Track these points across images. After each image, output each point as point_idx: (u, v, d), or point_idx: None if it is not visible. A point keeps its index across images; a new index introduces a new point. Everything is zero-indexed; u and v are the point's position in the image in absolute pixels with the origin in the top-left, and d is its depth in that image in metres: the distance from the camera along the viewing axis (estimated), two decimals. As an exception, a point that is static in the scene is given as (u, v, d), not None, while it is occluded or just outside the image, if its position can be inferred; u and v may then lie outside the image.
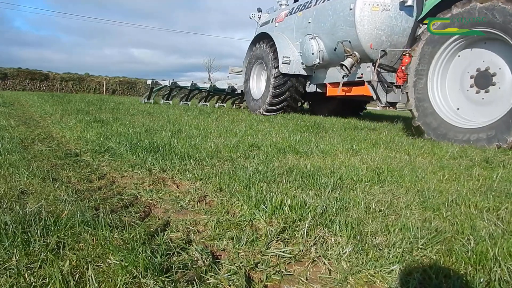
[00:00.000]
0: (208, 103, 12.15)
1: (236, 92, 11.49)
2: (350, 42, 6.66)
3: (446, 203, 2.04)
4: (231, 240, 1.53)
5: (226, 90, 11.57)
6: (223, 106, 12.55)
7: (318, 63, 7.54)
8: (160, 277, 1.21)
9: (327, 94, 7.97)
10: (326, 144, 4.06)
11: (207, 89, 11.65)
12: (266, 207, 1.83)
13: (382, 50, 6.40)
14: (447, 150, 3.85)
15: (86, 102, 9.47)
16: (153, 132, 4.43)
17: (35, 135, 4.06)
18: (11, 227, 1.49)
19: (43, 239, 1.43)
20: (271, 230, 1.60)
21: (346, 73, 6.78)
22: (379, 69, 6.43)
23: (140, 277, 1.21)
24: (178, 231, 1.63)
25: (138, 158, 2.93)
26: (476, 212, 1.93)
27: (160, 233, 1.54)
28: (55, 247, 1.39)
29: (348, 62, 6.65)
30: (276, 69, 8.16)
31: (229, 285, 1.23)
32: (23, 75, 29.64)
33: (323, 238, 1.57)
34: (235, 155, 3.28)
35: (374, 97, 6.61)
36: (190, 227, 1.69)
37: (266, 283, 1.27)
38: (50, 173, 2.44)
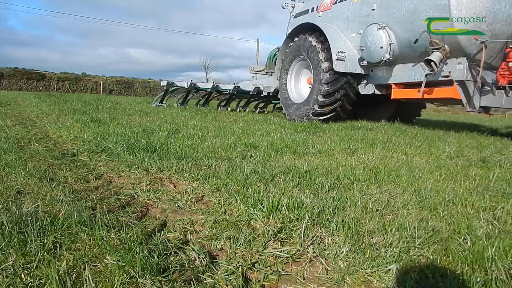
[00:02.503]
0: (229, 108, 10.30)
1: (262, 95, 9.79)
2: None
3: (443, 203, 2.05)
4: (228, 240, 1.53)
5: (251, 92, 9.71)
6: (264, 111, 10.79)
7: (388, 58, 6.14)
8: (157, 277, 1.21)
9: (393, 97, 6.55)
10: (324, 144, 4.07)
11: (230, 91, 9.68)
12: (263, 207, 1.83)
13: (481, 42, 5.13)
14: (444, 150, 3.86)
15: (83, 102, 9.44)
16: (150, 132, 4.42)
17: (32, 135, 4.04)
18: (7, 227, 1.48)
19: (40, 239, 1.42)
20: (269, 230, 1.60)
21: (432, 71, 5.42)
22: (476, 67, 5.24)
23: (137, 277, 1.20)
24: (175, 231, 1.63)
25: (135, 158, 2.92)
26: (473, 211, 1.94)
27: (157, 233, 1.54)
28: (52, 247, 1.38)
29: (436, 57, 5.32)
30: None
31: (227, 285, 1.23)
32: (20, 75, 29.53)
33: (320, 237, 1.57)
34: (233, 155, 3.27)
35: (464, 100, 5.43)
36: (188, 227, 1.68)
37: (263, 283, 1.27)
38: (46, 173, 2.43)
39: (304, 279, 1.30)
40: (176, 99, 10.23)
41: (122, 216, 1.77)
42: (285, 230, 1.63)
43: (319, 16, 7.86)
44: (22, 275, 1.19)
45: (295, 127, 5.70)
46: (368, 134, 5.21)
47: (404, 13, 5.87)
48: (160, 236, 1.51)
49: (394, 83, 6.49)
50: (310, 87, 7.53)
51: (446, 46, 5.32)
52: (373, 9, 6.42)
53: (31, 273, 1.20)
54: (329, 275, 1.32)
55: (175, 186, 2.34)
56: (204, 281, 1.24)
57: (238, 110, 10.30)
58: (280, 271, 1.33)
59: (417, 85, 5.96)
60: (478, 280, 1.24)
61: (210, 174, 2.51)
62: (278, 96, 8.47)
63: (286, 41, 8.37)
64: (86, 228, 1.53)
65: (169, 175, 2.53)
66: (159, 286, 1.18)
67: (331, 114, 6.91)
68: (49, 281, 1.15)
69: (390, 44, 6.10)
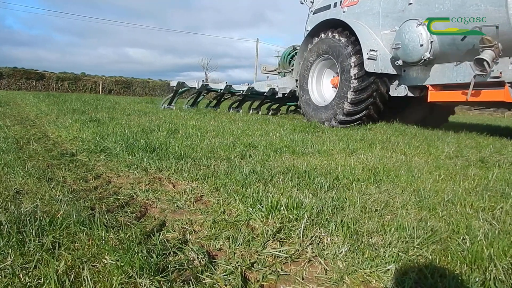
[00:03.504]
0: (241, 110, 9.59)
1: (276, 96, 9.12)
2: (497, 27, 4.76)
3: (442, 203, 2.05)
4: (227, 240, 1.53)
5: (265, 94, 8.98)
6: (277, 113, 10.19)
7: (428, 57, 5.60)
8: (156, 277, 1.21)
9: (429, 100, 5.97)
10: (323, 144, 4.07)
11: (243, 93, 8.93)
12: (262, 206, 1.83)
13: None
14: (443, 150, 3.87)
15: (82, 101, 9.43)
16: (149, 131, 4.42)
17: (31, 135, 4.03)
18: (6, 227, 1.48)
19: (38, 239, 1.42)
20: (268, 230, 1.60)
21: (483, 72, 4.96)
22: None
23: (136, 277, 1.20)
24: (174, 231, 1.63)
25: (134, 158, 2.92)
26: (472, 211, 1.94)
27: (156, 233, 1.54)
28: (51, 247, 1.38)
29: (489, 56, 4.86)
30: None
31: (225, 285, 1.22)
32: (19, 74, 29.51)
33: (319, 237, 1.57)
34: (232, 154, 3.27)
35: None
36: (186, 227, 1.68)
37: (262, 283, 1.27)
38: (45, 173, 2.43)
39: (303, 279, 1.30)
40: (186, 100, 9.52)
41: (121, 216, 1.77)
42: (284, 230, 1.63)
43: (344, 11, 7.19)
44: (21, 275, 1.18)
45: (294, 127, 5.70)
46: (367, 134, 5.21)
47: (448, 7, 5.32)
48: (159, 236, 1.51)
49: (431, 85, 5.92)
50: (333, 88, 7.11)
51: (499, 44, 4.82)
52: (410, 3, 5.84)
53: (30, 273, 1.20)
54: (328, 275, 1.32)
55: (174, 186, 2.33)
56: (203, 281, 1.24)
57: (250, 112, 9.60)
58: (279, 271, 1.33)
59: (458, 86, 5.51)
60: (476, 280, 1.24)
61: (209, 174, 2.51)
62: (299, 98, 7.86)
63: (306, 39, 7.75)
64: (85, 228, 1.53)
65: (168, 175, 2.52)
66: (158, 286, 1.17)
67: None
68: (47, 281, 1.14)
69: (431, 41, 5.55)
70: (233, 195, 2.04)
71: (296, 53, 9.02)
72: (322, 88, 7.47)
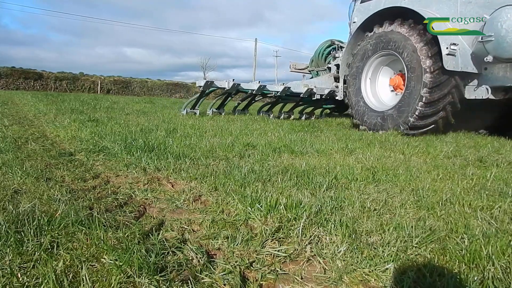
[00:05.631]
0: (271, 114, 8.34)
1: (313, 98, 7.98)
2: None
3: (440, 202, 2.05)
4: (226, 239, 1.53)
5: (301, 95, 7.83)
6: (310, 117, 8.65)
7: None
8: (155, 276, 1.20)
9: None
10: (321, 143, 4.07)
11: (278, 94, 7.71)
12: (261, 206, 1.83)
13: None
14: (441, 149, 3.88)
15: (80, 101, 9.42)
16: (148, 131, 4.42)
17: (29, 135, 4.02)
18: (4, 226, 1.47)
19: (37, 239, 1.42)
20: (266, 229, 1.60)
21: None
22: None
23: (134, 276, 1.20)
24: (173, 231, 1.63)
25: (133, 158, 2.91)
26: (470, 211, 1.94)
27: (155, 232, 1.54)
28: (49, 246, 1.38)
29: None
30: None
31: (224, 284, 1.22)
32: (17, 74, 29.39)
33: (318, 237, 1.57)
34: (230, 154, 3.27)
35: None
36: (185, 227, 1.68)
37: (261, 282, 1.27)
38: (43, 173, 2.42)
39: (301, 278, 1.30)
40: (211, 103, 8.22)
41: (120, 216, 1.77)
42: (283, 229, 1.63)
43: None
44: (19, 275, 1.18)
45: (293, 127, 5.70)
46: (366, 133, 5.21)
47: None
48: (157, 236, 1.50)
49: None
50: (393, 90, 6.20)
51: None
52: None
53: (28, 273, 1.20)
54: (326, 275, 1.32)
55: (172, 186, 2.33)
56: (202, 281, 1.24)
57: (282, 117, 8.35)
58: (277, 271, 1.33)
59: None
60: (475, 279, 1.24)
61: (207, 173, 2.50)
62: (349, 102, 6.78)
63: (356, 32, 6.73)
64: (83, 228, 1.53)
65: (167, 175, 2.52)
66: (157, 286, 1.17)
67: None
68: (45, 281, 1.14)
69: None
70: (232, 194, 2.04)
71: (333, 48, 8.35)
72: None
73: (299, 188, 2.26)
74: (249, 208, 1.82)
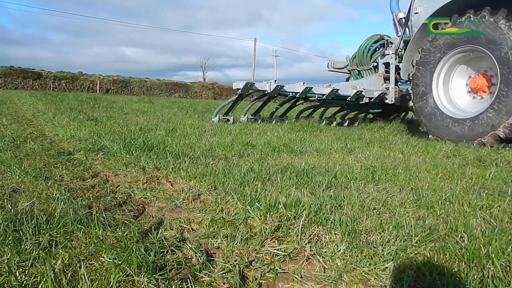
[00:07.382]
0: (312, 118, 7.36)
1: (361, 102, 6.92)
2: None
3: (439, 201, 2.05)
4: (225, 238, 1.53)
5: (348, 98, 6.81)
6: (354, 123, 7.74)
7: None
8: (154, 275, 1.20)
9: None
10: (321, 142, 4.07)
11: (324, 97, 6.60)
12: (260, 205, 1.83)
13: None
14: (440, 148, 3.88)
15: (79, 100, 9.41)
16: (147, 130, 4.41)
17: (28, 134, 4.02)
18: (2, 225, 1.47)
19: (35, 237, 1.41)
20: (266, 228, 1.60)
21: None
22: None
23: (133, 275, 1.20)
24: (172, 229, 1.62)
25: (132, 157, 2.91)
26: (470, 210, 1.94)
27: (154, 231, 1.53)
28: (47, 245, 1.37)
29: None
30: None
31: (224, 283, 1.22)
32: (15, 73, 29.34)
33: (317, 236, 1.56)
34: (230, 153, 3.27)
35: None
36: (184, 225, 1.68)
37: (260, 281, 1.26)
38: (42, 172, 2.42)
39: (301, 277, 1.30)
40: (245, 108, 7.21)
41: (119, 215, 1.76)
42: (282, 228, 1.62)
43: None
44: (17, 273, 1.18)
45: (292, 126, 5.70)
46: (365, 133, 5.22)
47: None
48: (156, 235, 1.50)
49: None
50: (470, 92, 5.28)
51: None
52: None
53: (26, 271, 1.19)
54: (326, 273, 1.31)
55: (172, 185, 2.33)
56: (201, 279, 1.23)
57: (324, 123, 7.38)
58: (277, 269, 1.33)
59: None
60: (475, 277, 1.24)
61: (207, 172, 2.50)
62: (414, 107, 5.74)
63: (420, 30, 5.74)
64: (82, 226, 1.53)
65: (166, 174, 2.52)
66: (156, 284, 1.17)
67: None
68: (44, 279, 1.14)
69: None
70: (231, 193, 2.04)
71: (381, 44, 7.55)
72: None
73: (299, 187, 2.25)
74: (249, 207, 1.82)
